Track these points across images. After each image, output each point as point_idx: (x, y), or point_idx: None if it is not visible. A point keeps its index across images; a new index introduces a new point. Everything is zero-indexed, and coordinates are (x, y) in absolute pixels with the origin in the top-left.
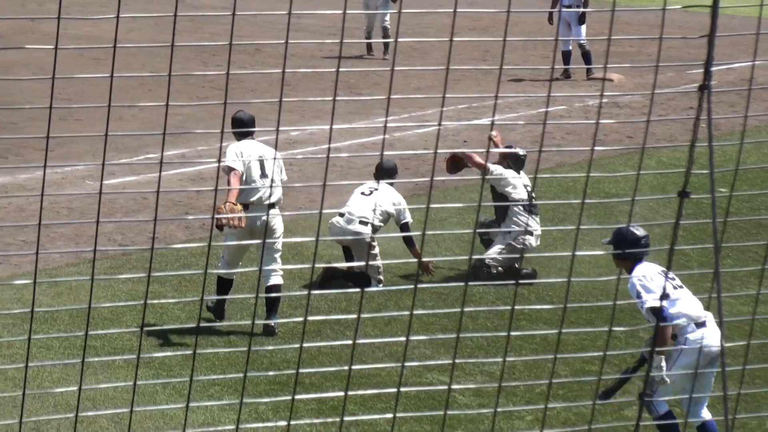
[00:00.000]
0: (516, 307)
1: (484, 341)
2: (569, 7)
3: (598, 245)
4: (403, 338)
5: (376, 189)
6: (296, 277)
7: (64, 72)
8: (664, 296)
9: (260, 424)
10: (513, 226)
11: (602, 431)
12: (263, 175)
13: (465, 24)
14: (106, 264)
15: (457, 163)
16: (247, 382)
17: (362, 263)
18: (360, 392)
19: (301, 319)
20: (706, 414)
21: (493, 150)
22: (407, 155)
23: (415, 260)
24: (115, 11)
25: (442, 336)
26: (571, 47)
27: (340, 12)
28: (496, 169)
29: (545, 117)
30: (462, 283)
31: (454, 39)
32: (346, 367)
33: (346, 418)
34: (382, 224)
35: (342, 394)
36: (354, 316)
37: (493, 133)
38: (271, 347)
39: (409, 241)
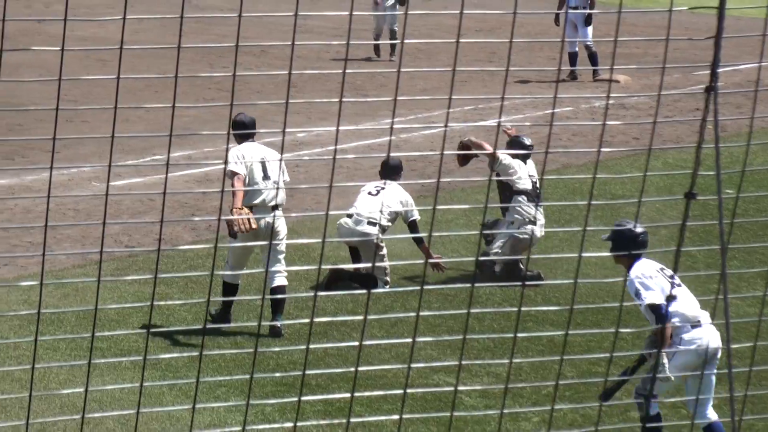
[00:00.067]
0: (522, 309)
1: (490, 342)
2: (576, 8)
3: (604, 247)
4: (409, 339)
5: (383, 188)
6: (303, 279)
7: (70, 73)
8: (671, 297)
9: (267, 426)
10: (516, 216)
11: None
12: (266, 176)
13: (471, 25)
14: (112, 265)
15: (467, 152)
16: (254, 384)
17: (369, 264)
18: (366, 393)
19: (307, 320)
20: (712, 414)
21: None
22: (413, 156)
23: (422, 261)
24: (121, 13)
25: (448, 337)
26: (577, 48)
27: (347, 13)
28: (505, 158)
29: (552, 118)
30: (468, 285)
31: (461, 40)
32: (352, 369)
33: (352, 420)
34: (390, 223)
35: (348, 395)
36: (360, 317)
37: (508, 125)
38: (277, 348)
39: (417, 239)
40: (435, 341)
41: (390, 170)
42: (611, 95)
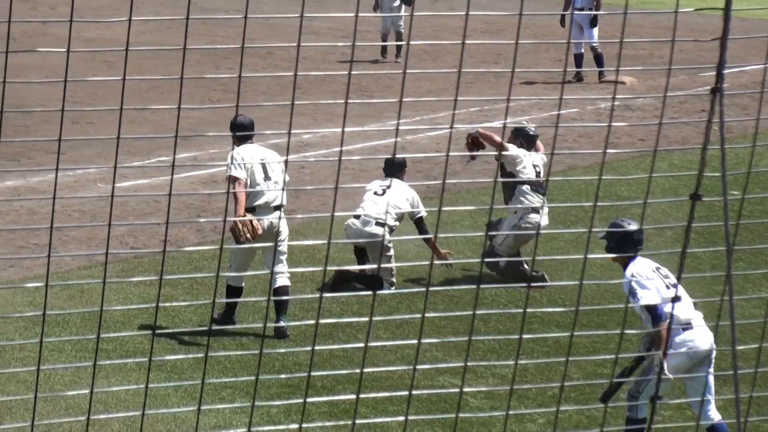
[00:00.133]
0: (528, 310)
1: (495, 344)
2: (581, 9)
3: None
4: (414, 341)
5: (388, 186)
6: (308, 280)
7: (76, 75)
8: (676, 299)
9: (272, 427)
10: (519, 205)
11: None
12: (267, 177)
13: (477, 27)
14: (117, 267)
15: (475, 144)
16: (259, 385)
17: (374, 266)
18: (372, 395)
19: (312, 321)
20: (715, 415)
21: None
22: (419, 158)
23: (427, 263)
24: (127, 14)
25: (453, 339)
26: (583, 50)
27: (352, 15)
28: (511, 149)
29: (557, 120)
30: (474, 286)
31: (467, 42)
32: (357, 370)
33: (358, 421)
34: (397, 222)
35: (354, 396)
36: (366, 319)
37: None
38: (282, 350)
39: (424, 234)
40: (440, 342)
41: (394, 168)
42: (617, 97)
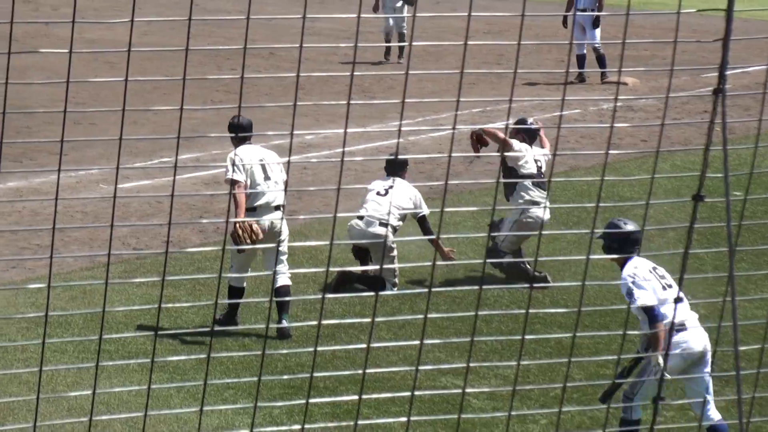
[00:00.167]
0: (530, 311)
1: (498, 345)
2: (584, 10)
3: None
4: (417, 342)
5: (391, 186)
6: (310, 281)
7: (78, 76)
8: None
9: (275, 428)
10: (520, 200)
11: None
12: (267, 177)
13: (479, 28)
14: (120, 268)
15: (480, 141)
16: (262, 386)
17: (377, 267)
18: (374, 396)
19: (315, 322)
20: (714, 414)
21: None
22: (421, 159)
23: (430, 264)
24: (129, 15)
25: (456, 339)
26: (585, 51)
27: (355, 16)
28: (515, 144)
29: (560, 121)
30: (476, 287)
31: (469, 43)
32: (360, 371)
33: (360, 422)
34: (401, 222)
35: (356, 397)
36: (368, 319)
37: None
38: (285, 351)
39: (428, 233)
40: (443, 343)
41: (396, 167)
42: (619, 97)
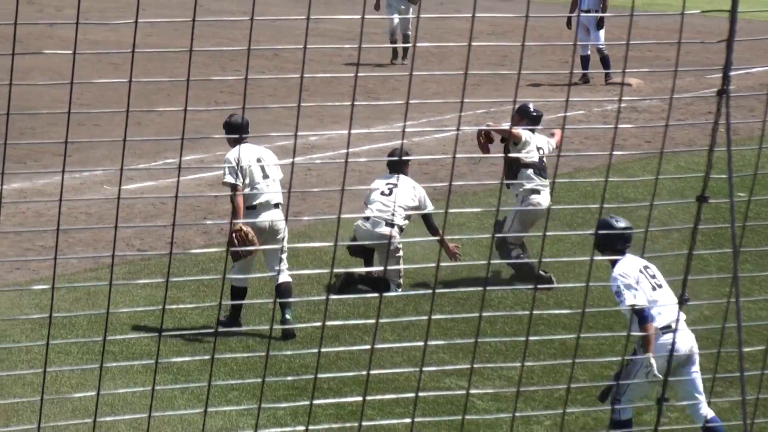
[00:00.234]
0: (534, 312)
1: (502, 346)
2: (588, 11)
3: None
4: (421, 343)
5: (395, 184)
6: (314, 282)
7: (82, 77)
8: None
9: (279, 429)
10: (520, 189)
11: None
12: (265, 176)
13: (483, 29)
14: (124, 269)
15: (488, 138)
16: (266, 387)
17: (381, 268)
18: (378, 397)
19: (319, 324)
20: (708, 412)
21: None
22: (426, 160)
23: (434, 265)
24: (133, 16)
25: (460, 341)
26: (589, 52)
27: (359, 17)
28: (523, 135)
29: (564, 122)
30: (480, 288)
31: (473, 44)
32: (364, 372)
33: (364, 423)
34: (407, 221)
35: (360, 399)
36: (372, 321)
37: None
38: (289, 352)
39: (432, 229)
40: (447, 344)
41: (399, 163)
42: (623, 98)
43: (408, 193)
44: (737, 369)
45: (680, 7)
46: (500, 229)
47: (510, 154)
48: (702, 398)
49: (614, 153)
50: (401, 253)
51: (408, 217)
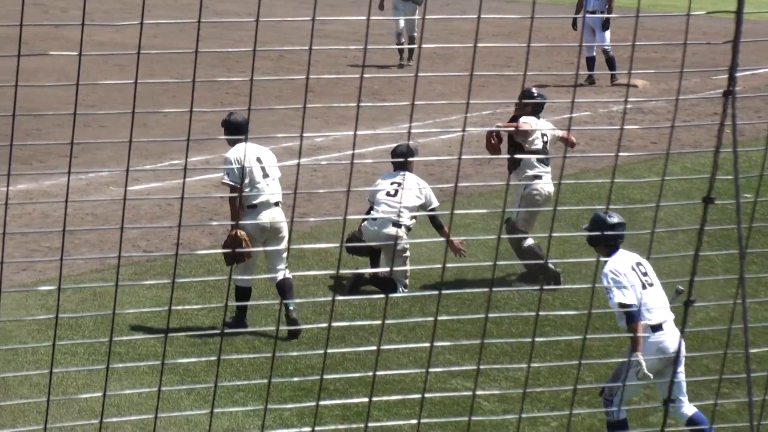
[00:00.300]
0: (540, 313)
1: (508, 347)
2: (593, 12)
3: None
4: (427, 344)
5: (400, 184)
6: (320, 283)
7: (88, 78)
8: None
9: (285, 430)
10: (523, 175)
11: None
12: (265, 175)
13: (489, 30)
14: (130, 270)
15: (499, 138)
16: (272, 388)
17: (388, 270)
18: (384, 398)
19: (325, 325)
20: (689, 410)
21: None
22: (431, 161)
23: (440, 266)
24: (138, 18)
25: (466, 342)
26: (595, 53)
27: (364, 18)
28: (531, 127)
29: (569, 123)
30: (486, 289)
31: (478, 45)
32: (370, 373)
33: (370, 424)
34: (413, 221)
35: (366, 400)
36: (378, 322)
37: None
38: (295, 353)
39: (438, 225)
40: (453, 346)
41: (404, 162)
42: (629, 100)
43: (413, 192)
44: (744, 370)
45: (686, 8)
46: (512, 229)
47: (517, 149)
48: (685, 399)
49: (620, 154)
50: (408, 253)
51: (415, 217)
